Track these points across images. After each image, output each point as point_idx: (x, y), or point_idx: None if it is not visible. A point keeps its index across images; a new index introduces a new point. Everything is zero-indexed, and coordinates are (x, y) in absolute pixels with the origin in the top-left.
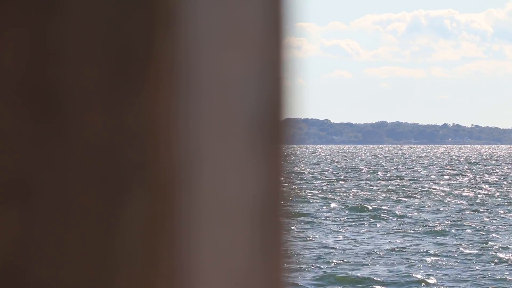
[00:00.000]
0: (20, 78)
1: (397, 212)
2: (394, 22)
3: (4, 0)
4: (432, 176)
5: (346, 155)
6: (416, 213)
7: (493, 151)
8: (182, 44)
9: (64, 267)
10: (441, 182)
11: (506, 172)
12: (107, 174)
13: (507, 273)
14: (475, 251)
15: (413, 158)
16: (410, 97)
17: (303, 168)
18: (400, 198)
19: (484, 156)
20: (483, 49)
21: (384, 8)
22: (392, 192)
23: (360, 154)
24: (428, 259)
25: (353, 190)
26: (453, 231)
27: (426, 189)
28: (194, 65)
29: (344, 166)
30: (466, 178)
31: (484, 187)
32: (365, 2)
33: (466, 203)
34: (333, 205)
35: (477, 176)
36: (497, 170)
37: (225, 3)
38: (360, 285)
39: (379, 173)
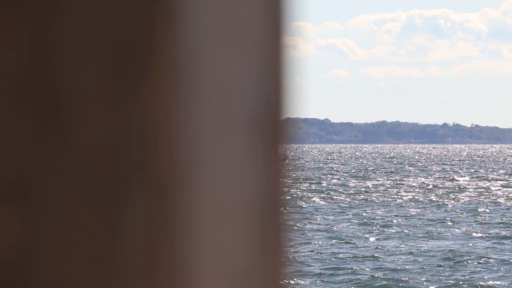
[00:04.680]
0: (20, 78)
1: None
2: (389, 22)
3: (4, 0)
4: None
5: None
6: None
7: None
8: (182, 44)
9: (64, 267)
10: None
11: None
12: (107, 174)
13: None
14: None
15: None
16: (408, 97)
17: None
18: None
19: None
20: (479, 49)
21: (379, 8)
22: None
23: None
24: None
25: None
26: None
27: None
28: (194, 65)
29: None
30: None
31: None
32: (360, 2)
33: None
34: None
35: None
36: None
37: (225, 3)
38: (360, 285)
39: None
